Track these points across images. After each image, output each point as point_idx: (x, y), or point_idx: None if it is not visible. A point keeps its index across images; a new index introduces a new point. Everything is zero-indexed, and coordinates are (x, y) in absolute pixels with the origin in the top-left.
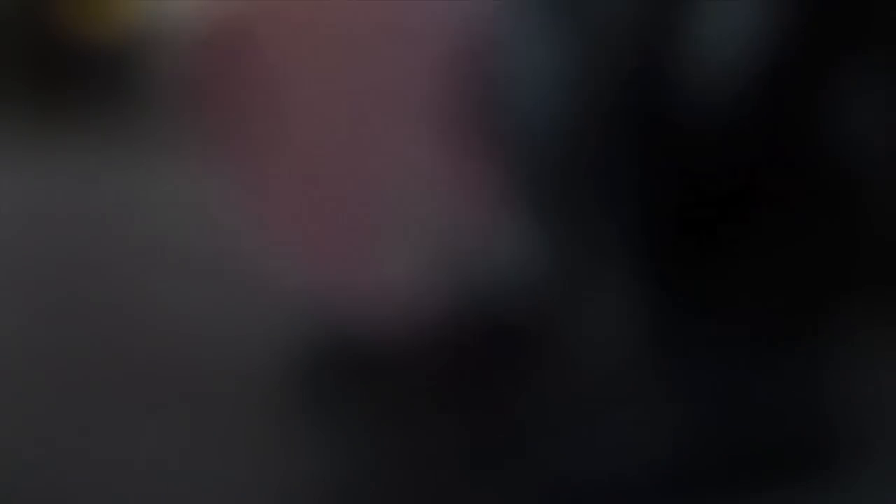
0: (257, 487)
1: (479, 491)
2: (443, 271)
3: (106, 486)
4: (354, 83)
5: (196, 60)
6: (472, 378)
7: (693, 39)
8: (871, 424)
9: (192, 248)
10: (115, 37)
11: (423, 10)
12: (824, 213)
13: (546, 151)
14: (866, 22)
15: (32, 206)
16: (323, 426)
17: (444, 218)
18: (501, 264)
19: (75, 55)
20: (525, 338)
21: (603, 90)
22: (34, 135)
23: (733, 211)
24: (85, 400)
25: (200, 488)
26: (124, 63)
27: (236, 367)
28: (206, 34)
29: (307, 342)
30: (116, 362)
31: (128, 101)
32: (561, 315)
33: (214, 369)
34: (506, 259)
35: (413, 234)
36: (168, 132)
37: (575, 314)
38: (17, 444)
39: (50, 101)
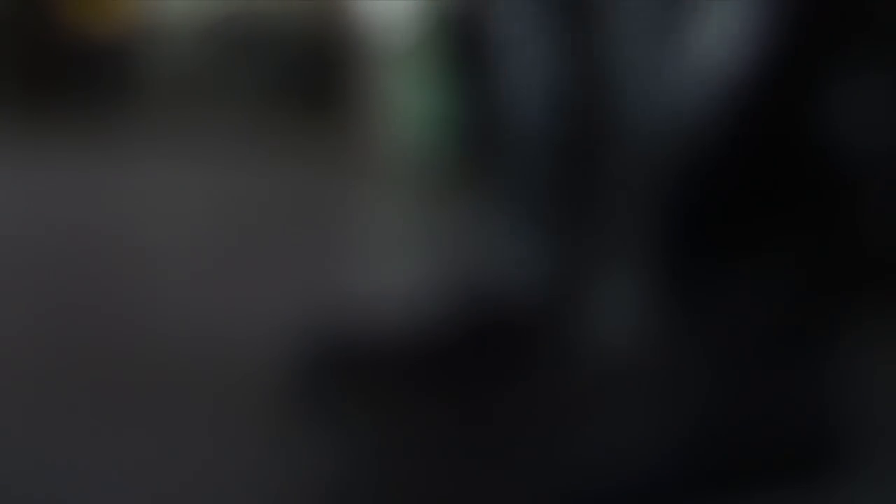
0: (257, 486)
1: (479, 490)
2: (442, 275)
3: (108, 486)
4: None
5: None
6: (471, 379)
7: (689, 42)
8: (872, 425)
9: (193, 248)
10: (115, 35)
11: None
12: (824, 214)
13: (548, 156)
14: (865, 22)
15: (30, 205)
16: (323, 426)
17: (444, 222)
18: (501, 267)
19: (76, 54)
20: (525, 339)
21: (601, 94)
22: (34, 133)
23: (732, 212)
24: (82, 398)
25: (201, 487)
26: (125, 61)
27: (237, 368)
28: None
29: (307, 343)
30: (116, 361)
31: (128, 99)
32: (562, 315)
33: (215, 370)
34: (505, 262)
35: (410, 239)
36: (169, 130)
37: (576, 315)
38: (14, 446)
39: (50, 99)
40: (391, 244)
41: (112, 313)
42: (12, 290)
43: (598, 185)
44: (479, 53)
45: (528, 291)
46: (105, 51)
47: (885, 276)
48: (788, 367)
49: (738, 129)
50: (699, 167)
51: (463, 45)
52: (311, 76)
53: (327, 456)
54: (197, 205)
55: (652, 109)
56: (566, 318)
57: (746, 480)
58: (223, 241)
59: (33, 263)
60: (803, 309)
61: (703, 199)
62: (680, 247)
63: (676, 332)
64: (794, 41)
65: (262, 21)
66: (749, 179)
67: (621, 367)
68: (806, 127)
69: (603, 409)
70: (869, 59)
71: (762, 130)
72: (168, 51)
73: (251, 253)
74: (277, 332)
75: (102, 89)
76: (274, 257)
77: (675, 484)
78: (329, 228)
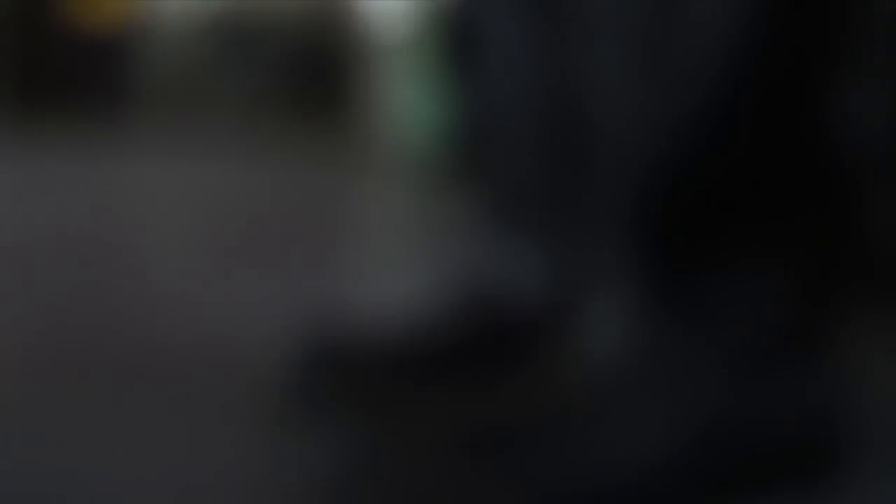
0: (256, 487)
1: (477, 491)
2: (439, 276)
3: (106, 486)
4: None
5: None
6: (468, 380)
7: (686, 47)
8: (873, 428)
9: (191, 246)
10: (117, 33)
11: None
12: (820, 215)
13: (543, 157)
14: (864, 23)
15: (26, 203)
16: (321, 426)
17: (441, 223)
18: (498, 268)
19: (76, 50)
20: (522, 340)
21: (597, 96)
22: (32, 131)
23: (730, 214)
24: (78, 397)
25: (199, 487)
26: (125, 59)
27: (234, 368)
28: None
29: (306, 344)
30: (111, 361)
31: (126, 98)
32: (559, 317)
33: (213, 370)
34: (502, 263)
35: (408, 239)
36: (168, 128)
37: (573, 316)
38: (14, 447)
39: (49, 97)
40: (389, 245)
41: (110, 314)
42: (13, 290)
43: (594, 187)
44: (478, 54)
45: (526, 293)
46: (106, 48)
47: (882, 276)
48: (787, 370)
49: (731, 130)
50: (694, 170)
51: (462, 45)
52: (309, 74)
53: (326, 456)
54: (196, 203)
55: (649, 111)
56: (563, 320)
57: (746, 484)
58: (220, 239)
59: (30, 263)
60: (801, 309)
61: (700, 202)
62: (676, 247)
63: (675, 334)
64: (784, 37)
65: (261, 20)
66: (742, 182)
67: (620, 369)
68: (799, 126)
69: (602, 412)
70: (864, 56)
71: (754, 132)
72: (167, 49)
73: (249, 253)
74: (276, 332)
75: (103, 87)
76: (272, 257)
77: (674, 488)
78: (327, 228)
